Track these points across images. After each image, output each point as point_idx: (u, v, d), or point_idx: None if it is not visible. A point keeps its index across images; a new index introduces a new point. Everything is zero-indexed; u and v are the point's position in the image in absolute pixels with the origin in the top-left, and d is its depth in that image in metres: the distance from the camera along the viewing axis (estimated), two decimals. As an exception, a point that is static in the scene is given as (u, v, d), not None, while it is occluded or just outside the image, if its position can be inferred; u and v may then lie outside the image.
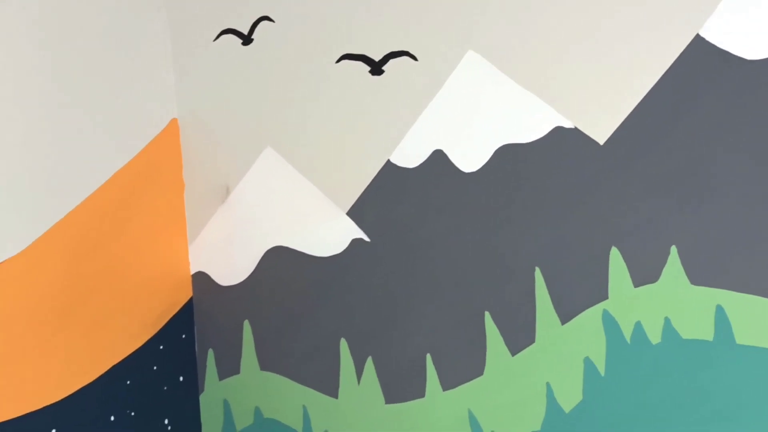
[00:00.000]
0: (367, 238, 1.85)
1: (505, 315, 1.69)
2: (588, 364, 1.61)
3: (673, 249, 1.54)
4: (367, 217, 1.84)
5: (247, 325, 2.00)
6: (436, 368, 1.76)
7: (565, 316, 1.63)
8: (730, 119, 1.50)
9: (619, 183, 1.59)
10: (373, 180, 1.83)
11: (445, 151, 1.76)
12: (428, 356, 1.77)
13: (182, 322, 2.05)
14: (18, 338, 1.74)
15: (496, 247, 1.70)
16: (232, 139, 2.02)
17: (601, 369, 1.60)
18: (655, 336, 1.55)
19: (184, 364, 2.04)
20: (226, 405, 2.02)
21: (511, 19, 1.69)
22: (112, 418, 1.89)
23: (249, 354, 1.99)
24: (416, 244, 1.78)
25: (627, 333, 1.58)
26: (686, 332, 1.53)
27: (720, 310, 1.50)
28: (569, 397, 1.62)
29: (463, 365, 1.72)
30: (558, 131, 1.65)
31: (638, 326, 1.57)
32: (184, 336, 2.05)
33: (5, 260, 1.73)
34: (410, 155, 1.79)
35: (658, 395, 1.55)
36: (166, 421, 2.00)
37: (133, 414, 1.92)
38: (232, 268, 2.02)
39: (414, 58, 1.79)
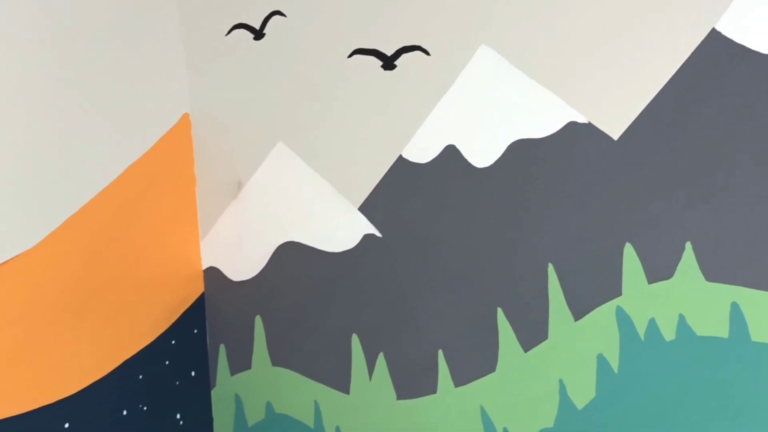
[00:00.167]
0: (378, 234, 1.84)
1: (518, 311, 1.68)
2: (601, 360, 1.60)
3: (688, 245, 1.53)
4: (379, 212, 1.84)
5: (258, 321, 2.00)
6: (448, 364, 1.75)
7: (579, 312, 1.62)
8: (746, 114, 1.49)
9: (633, 178, 1.58)
10: (385, 175, 1.83)
11: (458, 146, 1.75)
12: (440, 352, 1.76)
13: (194, 317, 2.05)
14: (31, 333, 1.74)
15: (508, 243, 1.69)
16: (244, 134, 2.02)
17: (615, 366, 1.59)
18: (669, 333, 1.54)
19: (196, 359, 2.05)
20: (238, 400, 2.02)
21: (525, 14, 1.68)
22: (125, 413, 1.89)
23: (260, 349, 1.99)
24: (428, 239, 1.78)
25: (641, 330, 1.57)
26: (701, 329, 1.52)
27: (735, 307, 1.49)
28: (582, 394, 1.62)
29: (476, 361, 1.72)
30: (572, 126, 1.64)
31: (652, 323, 1.56)
32: (195, 331, 2.06)
33: (18, 255, 1.74)
34: (422, 150, 1.78)
35: (672, 393, 1.54)
36: (178, 416, 2.00)
37: (145, 408, 1.93)
38: (243, 264, 2.02)
39: (426, 52, 1.78)
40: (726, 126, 1.51)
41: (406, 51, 1.80)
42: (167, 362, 1.99)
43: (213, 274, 2.07)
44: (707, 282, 1.51)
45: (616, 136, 1.60)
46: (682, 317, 1.53)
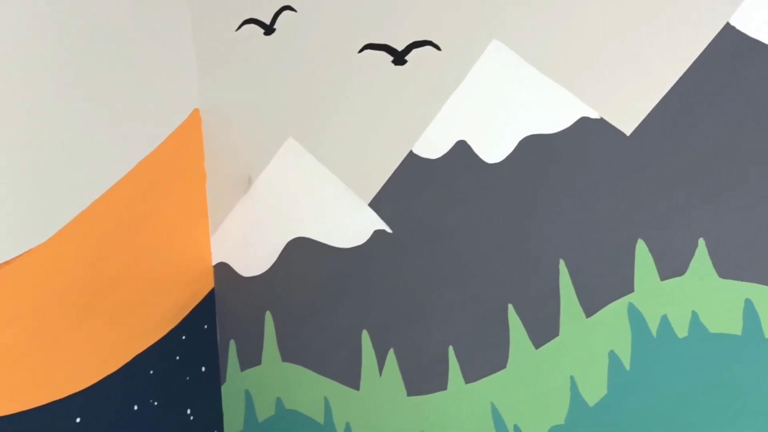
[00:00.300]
0: (389, 230, 1.84)
1: (529, 308, 1.67)
2: (613, 357, 1.59)
3: (701, 242, 1.52)
4: (390, 208, 1.83)
5: (268, 316, 2.00)
6: (459, 361, 1.75)
7: (590, 309, 1.61)
8: (761, 110, 1.47)
9: (645, 174, 1.57)
10: (395, 171, 1.82)
11: (469, 141, 1.74)
12: (450, 348, 1.76)
13: (204, 312, 2.05)
14: (43, 328, 1.75)
15: (519, 239, 1.68)
16: (254, 130, 2.01)
17: (627, 363, 1.58)
18: (681, 330, 1.53)
19: (206, 354, 2.05)
20: (248, 396, 2.02)
21: (536, 9, 1.67)
22: (136, 408, 1.90)
23: (270, 345, 1.99)
24: (439, 235, 1.77)
25: (653, 327, 1.56)
26: (714, 326, 1.51)
27: (749, 304, 1.48)
28: (593, 391, 1.61)
29: (486, 358, 1.71)
30: (584, 122, 1.63)
31: (664, 320, 1.55)
32: (206, 326, 2.06)
33: (29, 251, 1.74)
34: (433, 146, 1.78)
35: (684, 390, 1.53)
36: (189, 411, 2.00)
37: (156, 403, 1.93)
38: (253, 259, 2.02)
39: (437, 47, 1.77)
40: (740, 121, 1.49)
41: (416, 46, 1.80)
42: (178, 358, 1.99)
43: (223, 270, 2.07)
44: (720, 278, 1.50)
45: (628, 132, 1.59)
46: (694, 314, 1.52)
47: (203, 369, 2.04)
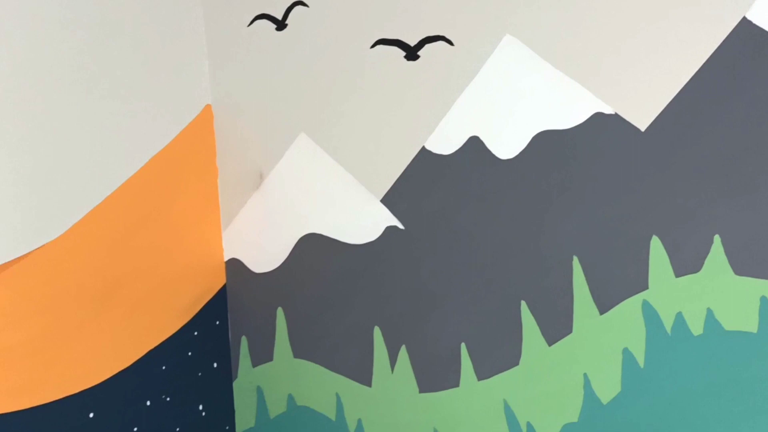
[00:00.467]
0: (401, 226, 1.83)
1: (542, 304, 1.66)
2: (627, 355, 1.58)
3: (717, 238, 1.50)
4: (402, 204, 1.82)
5: (280, 312, 2.00)
6: (471, 357, 1.74)
7: (604, 305, 1.60)
8: (778, 105, 1.46)
9: (660, 170, 1.55)
10: (407, 167, 1.82)
11: (482, 137, 1.73)
12: (463, 345, 1.75)
13: (216, 308, 2.06)
14: (56, 324, 1.76)
15: (533, 236, 1.67)
16: (266, 125, 2.01)
17: (641, 360, 1.57)
18: (696, 327, 1.52)
19: (218, 350, 2.05)
20: (260, 392, 2.02)
21: (549, 3, 1.66)
22: (148, 403, 1.90)
23: (282, 341, 1.99)
24: (451, 231, 1.76)
25: (667, 324, 1.55)
26: (729, 324, 1.49)
27: (765, 302, 1.46)
28: (607, 389, 1.60)
29: (499, 355, 1.70)
30: (598, 117, 1.61)
31: (679, 317, 1.54)
32: (217, 323, 2.06)
33: (42, 246, 1.75)
34: (446, 142, 1.77)
35: (699, 388, 1.52)
36: (200, 407, 2.01)
37: (168, 399, 1.94)
38: (265, 255, 2.02)
39: (450, 42, 1.77)
40: (756, 117, 1.48)
41: (429, 41, 1.79)
42: (189, 353, 1.99)
43: (235, 266, 2.07)
44: (736, 275, 1.49)
45: (643, 128, 1.58)
46: (710, 311, 1.51)
47: (215, 365, 2.04)
